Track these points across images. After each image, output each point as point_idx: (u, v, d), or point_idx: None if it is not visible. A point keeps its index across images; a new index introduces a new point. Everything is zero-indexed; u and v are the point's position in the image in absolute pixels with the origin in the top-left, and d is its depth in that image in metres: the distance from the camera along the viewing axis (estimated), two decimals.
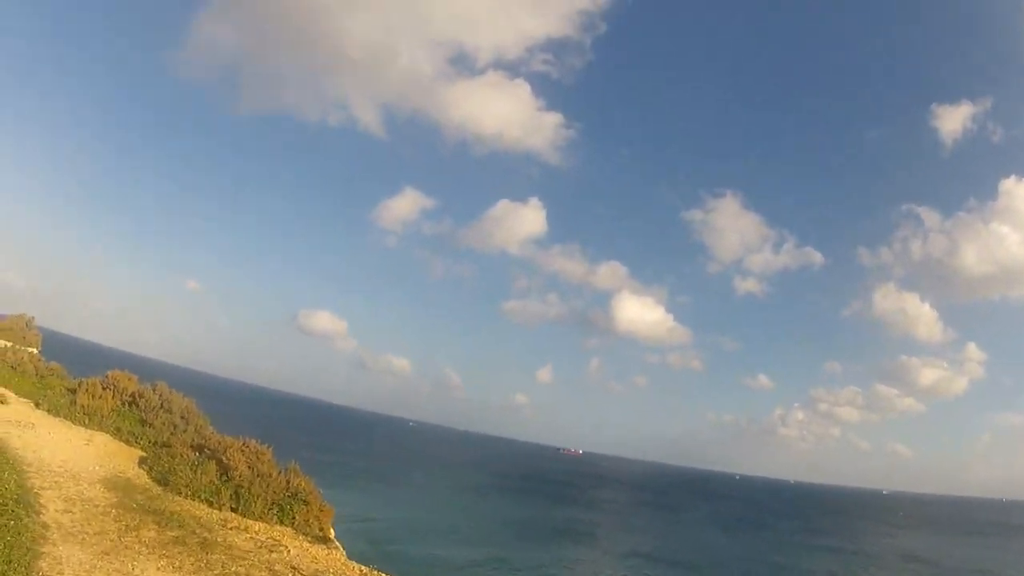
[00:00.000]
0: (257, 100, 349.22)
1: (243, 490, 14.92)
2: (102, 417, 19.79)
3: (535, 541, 48.32)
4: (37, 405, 19.41)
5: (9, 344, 31.80)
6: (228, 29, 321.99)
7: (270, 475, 15.87)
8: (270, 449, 17.44)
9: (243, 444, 17.17)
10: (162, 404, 21.59)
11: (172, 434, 19.29)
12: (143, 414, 20.80)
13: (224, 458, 16.23)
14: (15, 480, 11.88)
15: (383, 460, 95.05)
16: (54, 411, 19.47)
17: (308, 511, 15.38)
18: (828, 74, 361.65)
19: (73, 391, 21.16)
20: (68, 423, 18.54)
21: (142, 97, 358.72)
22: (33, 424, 16.61)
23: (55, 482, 12.86)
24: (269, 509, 14.71)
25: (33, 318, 38.40)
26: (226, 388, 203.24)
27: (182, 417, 21.40)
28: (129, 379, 22.77)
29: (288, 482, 15.88)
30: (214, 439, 17.77)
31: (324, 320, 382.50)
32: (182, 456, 16.75)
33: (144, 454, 17.61)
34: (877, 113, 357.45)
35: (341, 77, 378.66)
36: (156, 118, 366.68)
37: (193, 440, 18.27)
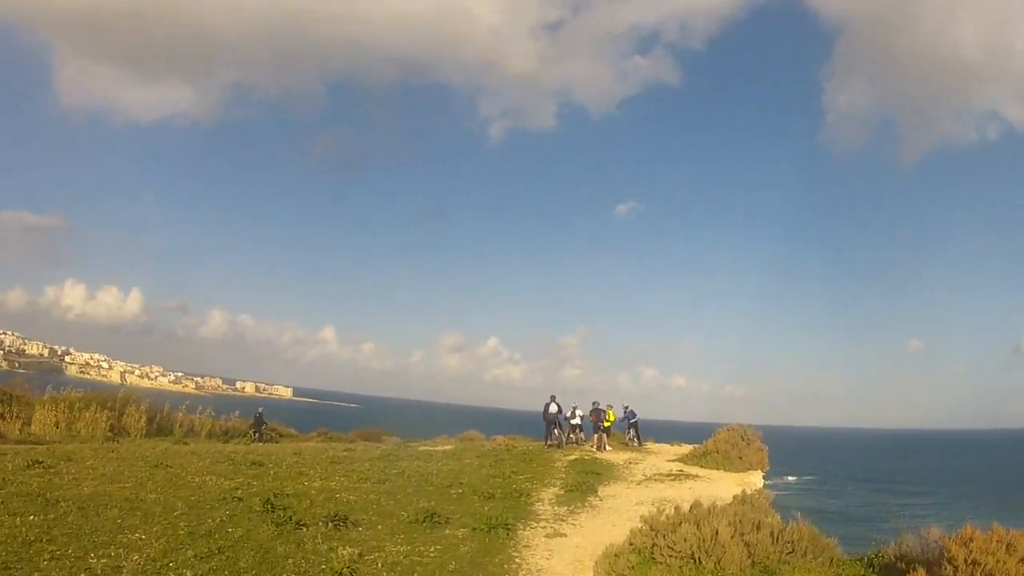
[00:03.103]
0: (917, 145, 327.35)
1: None
2: None
3: None
4: None
5: (710, 475, 19.61)
6: (861, 94, 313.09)
7: None
8: None
9: None
10: None
11: None
12: None
13: None
14: None
15: None
16: None
17: None
18: None
19: None
20: None
21: (813, 181, 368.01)
22: None
23: None
24: None
25: (751, 427, 25.67)
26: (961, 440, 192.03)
27: None
28: None
29: None
30: None
31: None
32: None
33: None
34: None
35: (979, 89, 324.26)
36: (824, 197, 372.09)
37: None
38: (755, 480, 20.93)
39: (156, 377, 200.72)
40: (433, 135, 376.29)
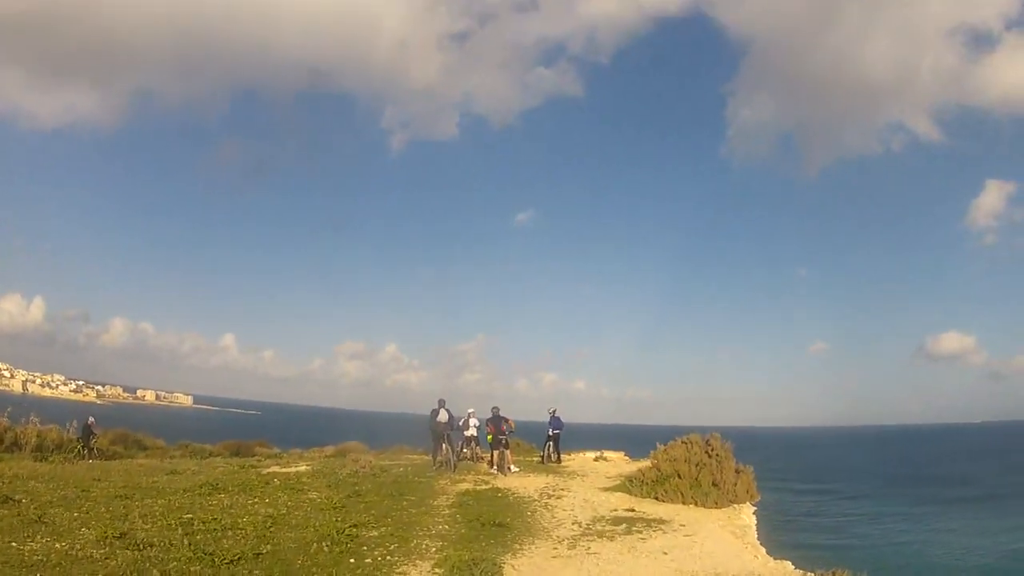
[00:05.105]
0: (818, 158, 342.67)
1: None
2: None
3: None
4: None
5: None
6: (762, 108, 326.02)
7: None
8: None
9: None
10: None
11: None
12: None
13: None
14: None
15: None
16: None
17: None
18: None
19: None
20: None
21: (714, 192, 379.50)
22: None
23: None
24: None
25: (716, 436, 19.35)
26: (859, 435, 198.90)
27: None
28: None
29: None
30: None
31: (951, 341, 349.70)
32: None
33: None
34: None
35: (887, 104, 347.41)
36: (726, 204, 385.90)
37: None
38: (746, 519, 15.49)
39: (57, 386, 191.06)
40: (335, 144, 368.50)
